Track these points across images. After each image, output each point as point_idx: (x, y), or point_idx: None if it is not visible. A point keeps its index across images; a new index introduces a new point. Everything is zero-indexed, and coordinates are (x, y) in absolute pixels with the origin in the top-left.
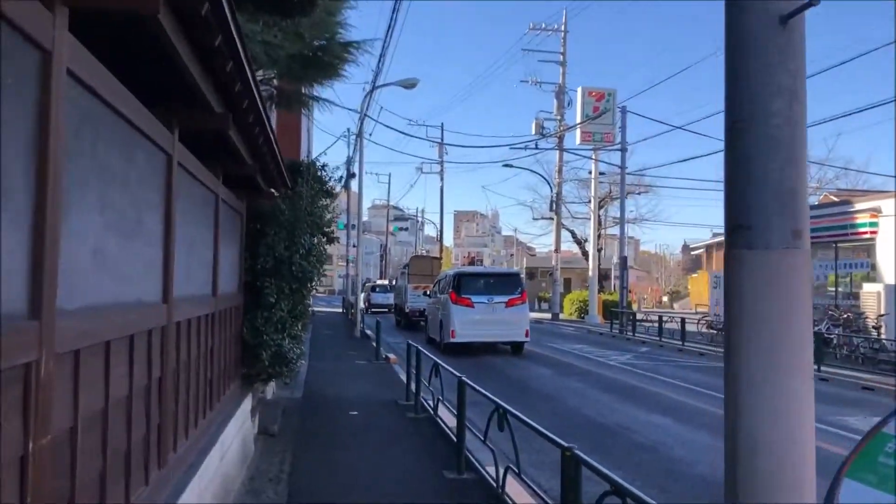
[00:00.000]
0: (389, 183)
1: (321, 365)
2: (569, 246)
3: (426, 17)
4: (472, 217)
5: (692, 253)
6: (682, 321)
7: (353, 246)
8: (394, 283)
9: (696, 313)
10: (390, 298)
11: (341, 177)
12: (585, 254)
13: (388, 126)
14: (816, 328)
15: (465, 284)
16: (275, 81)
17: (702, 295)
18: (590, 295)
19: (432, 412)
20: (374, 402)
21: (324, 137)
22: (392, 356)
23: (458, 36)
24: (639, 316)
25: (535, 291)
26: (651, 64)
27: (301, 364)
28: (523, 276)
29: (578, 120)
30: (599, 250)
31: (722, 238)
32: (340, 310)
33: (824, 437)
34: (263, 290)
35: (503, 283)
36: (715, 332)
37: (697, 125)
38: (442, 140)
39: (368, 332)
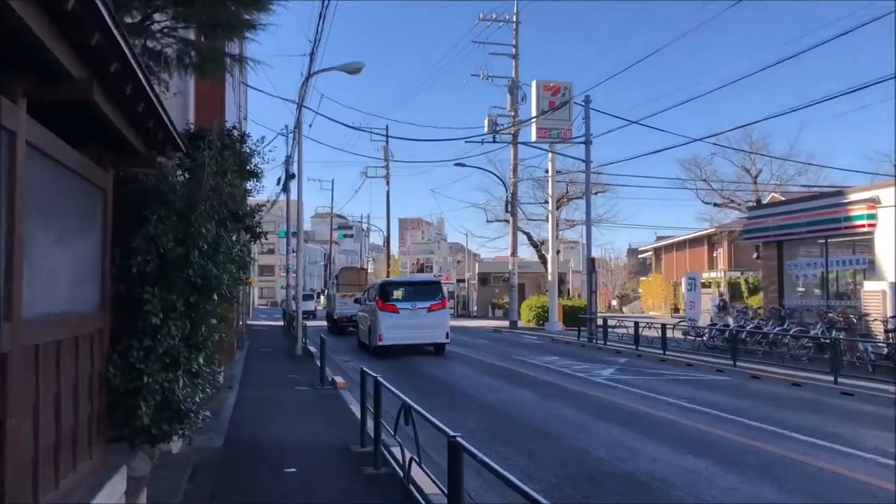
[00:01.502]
0: (333, 189)
1: (254, 394)
2: (524, 249)
3: (368, 13)
4: (417, 224)
5: (640, 256)
6: (663, 328)
7: (293, 251)
8: (324, 291)
9: (650, 317)
10: (310, 305)
11: (279, 179)
12: (542, 258)
13: (330, 118)
14: (812, 332)
15: (391, 292)
16: (191, 36)
17: (656, 298)
18: (550, 301)
19: (398, 468)
20: (318, 449)
21: (262, 134)
22: (339, 380)
23: (402, 31)
24: (602, 322)
25: (489, 298)
26: (607, 58)
27: (201, 418)
28: (474, 281)
29: (534, 115)
30: (557, 252)
31: (672, 241)
32: (282, 323)
33: None
34: (143, 307)
35: (425, 290)
36: (695, 337)
37: (653, 120)
38: (387, 140)
39: (312, 348)
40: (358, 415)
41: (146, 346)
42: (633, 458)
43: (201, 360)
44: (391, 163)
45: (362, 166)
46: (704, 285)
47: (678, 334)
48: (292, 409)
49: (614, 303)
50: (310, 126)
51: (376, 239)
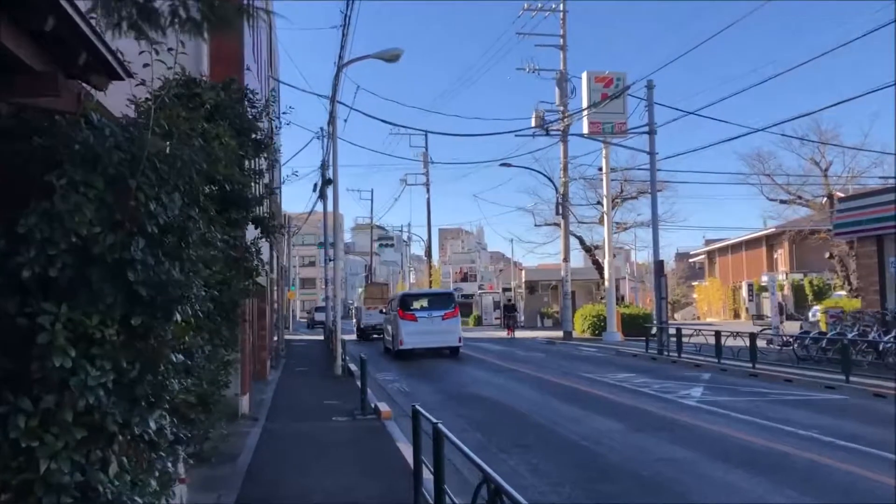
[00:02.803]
0: (372, 199)
1: (283, 428)
2: (572, 255)
3: (401, 9)
4: (457, 234)
5: (690, 260)
6: (752, 338)
7: (330, 260)
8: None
9: (709, 324)
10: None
11: (315, 185)
12: (596, 262)
13: (366, 114)
14: None
15: (410, 303)
16: None
17: (713, 304)
18: (608, 308)
19: None
20: None
21: (295, 136)
22: (384, 408)
23: (439, 26)
24: (675, 331)
25: (538, 307)
26: (661, 46)
27: None
28: (521, 290)
29: (585, 107)
30: (614, 256)
31: (727, 243)
32: (322, 338)
33: None
34: (36, 337)
35: (440, 300)
36: (781, 347)
37: (710, 111)
38: (426, 146)
39: (353, 367)
40: (408, 457)
41: (45, 407)
42: None
43: (154, 424)
44: (431, 168)
45: (402, 172)
46: (764, 289)
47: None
48: (328, 449)
49: None
50: (345, 121)
51: (417, 249)
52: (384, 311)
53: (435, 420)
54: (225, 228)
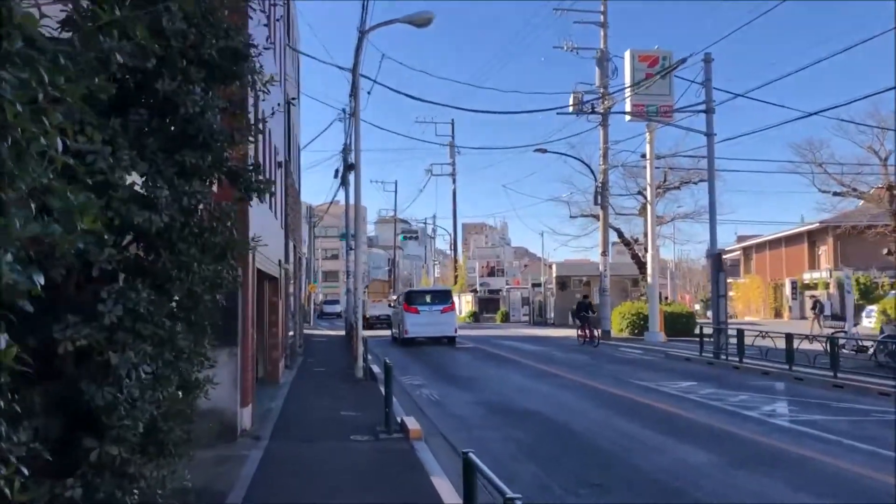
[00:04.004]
0: (396, 190)
1: (289, 450)
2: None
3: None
4: (481, 229)
5: (725, 257)
6: (831, 343)
7: (351, 249)
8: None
9: (753, 324)
10: (337, 308)
11: (337, 171)
12: (635, 257)
13: (392, 89)
14: None
15: (413, 298)
16: None
17: (751, 302)
18: (650, 306)
19: None
20: None
21: (315, 117)
22: (412, 424)
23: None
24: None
25: (569, 304)
26: (708, 25)
27: None
28: (551, 286)
29: (627, 91)
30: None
31: (765, 238)
32: (343, 332)
33: None
34: None
35: (439, 296)
36: (856, 352)
37: (761, 93)
38: (453, 135)
39: (375, 368)
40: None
41: None
42: None
43: None
44: (458, 156)
45: (427, 162)
46: (808, 286)
47: (806, 345)
48: (343, 487)
49: (698, 307)
50: (368, 93)
51: (441, 244)
52: (392, 304)
53: (512, 494)
54: (176, 180)
